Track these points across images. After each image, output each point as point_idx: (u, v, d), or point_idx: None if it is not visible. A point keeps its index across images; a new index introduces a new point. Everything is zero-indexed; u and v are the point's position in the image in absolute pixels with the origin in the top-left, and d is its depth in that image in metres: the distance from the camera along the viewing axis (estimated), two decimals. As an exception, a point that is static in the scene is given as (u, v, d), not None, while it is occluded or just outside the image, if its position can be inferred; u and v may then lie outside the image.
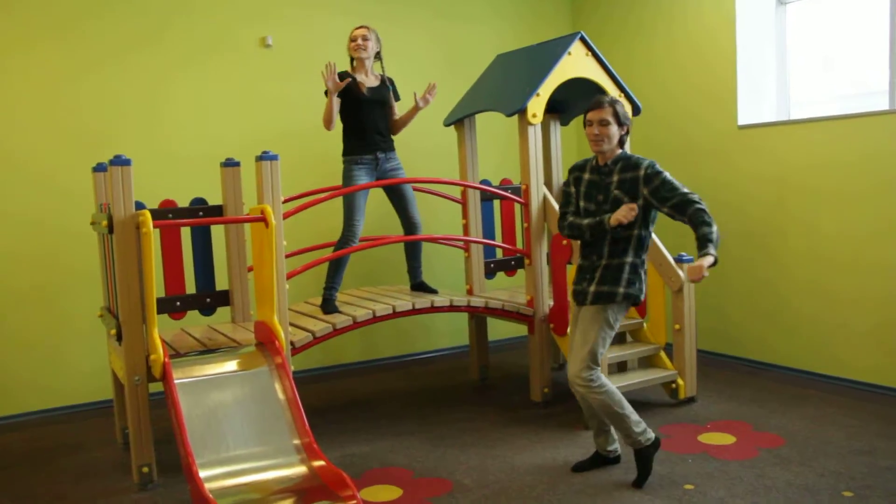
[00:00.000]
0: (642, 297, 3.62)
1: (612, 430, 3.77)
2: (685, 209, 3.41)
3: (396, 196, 4.91)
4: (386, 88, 4.87)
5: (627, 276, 3.54)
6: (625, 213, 3.46)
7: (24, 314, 4.99)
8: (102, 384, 5.02)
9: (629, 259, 3.55)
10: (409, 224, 4.90)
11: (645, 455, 3.57)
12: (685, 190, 3.45)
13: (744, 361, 5.58)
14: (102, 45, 5.14)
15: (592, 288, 3.57)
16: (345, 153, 4.80)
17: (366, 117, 4.77)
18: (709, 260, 3.28)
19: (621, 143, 3.61)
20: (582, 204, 3.66)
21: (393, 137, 4.94)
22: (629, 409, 3.55)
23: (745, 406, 4.61)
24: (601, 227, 3.53)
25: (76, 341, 5.10)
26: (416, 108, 4.89)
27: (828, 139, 4.94)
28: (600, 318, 3.56)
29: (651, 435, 3.59)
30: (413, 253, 5.02)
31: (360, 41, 4.76)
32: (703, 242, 3.33)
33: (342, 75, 4.70)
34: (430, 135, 6.00)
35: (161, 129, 5.31)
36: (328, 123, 4.68)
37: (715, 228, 3.36)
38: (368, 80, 4.80)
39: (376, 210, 5.11)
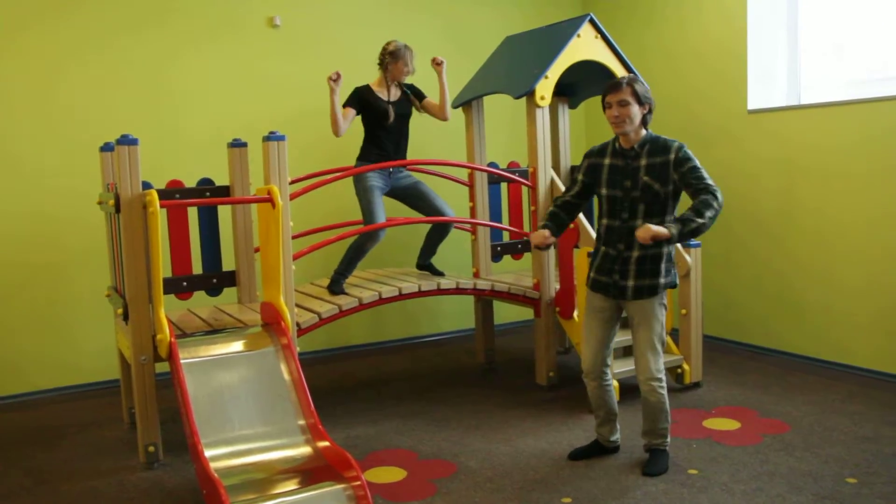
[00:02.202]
0: (677, 282, 3.56)
1: (617, 421, 3.77)
2: (700, 195, 3.29)
3: (419, 199, 4.85)
4: (407, 100, 4.84)
5: (665, 266, 3.44)
6: (652, 234, 3.22)
7: (32, 294, 5.01)
8: (109, 364, 5.04)
9: (665, 248, 3.42)
10: (441, 216, 4.84)
11: (663, 456, 3.59)
12: (709, 181, 3.31)
13: (749, 347, 5.58)
14: (109, 24, 5.13)
15: (631, 282, 3.43)
16: (360, 158, 4.77)
17: (388, 133, 4.75)
18: (663, 231, 3.21)
19: (644, 124, 3.44)
20: (605, 192, 3.50)
21: (447, 120, 4.94)
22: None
23: (751, 392, 4.61)
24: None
25: (84, 321, 5.12)
26: (441, 80, 4.85)
27: (838, 124, 4.90)
28: (654, 306, 3.47)
29: (669, 440, 3.65)
30: (435, 240, 4.97)
31: (410, 68, 4.74)
32: (680, 219, 3.25)
33: (362, 91, 4.69)
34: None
35: (168, 109, 5.30)
36: (335, 125, 4.62)
37: (703, 221, 3.21)
38: (392, 94, 4.77)
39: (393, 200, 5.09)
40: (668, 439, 3.61)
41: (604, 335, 3.61)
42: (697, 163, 3.36)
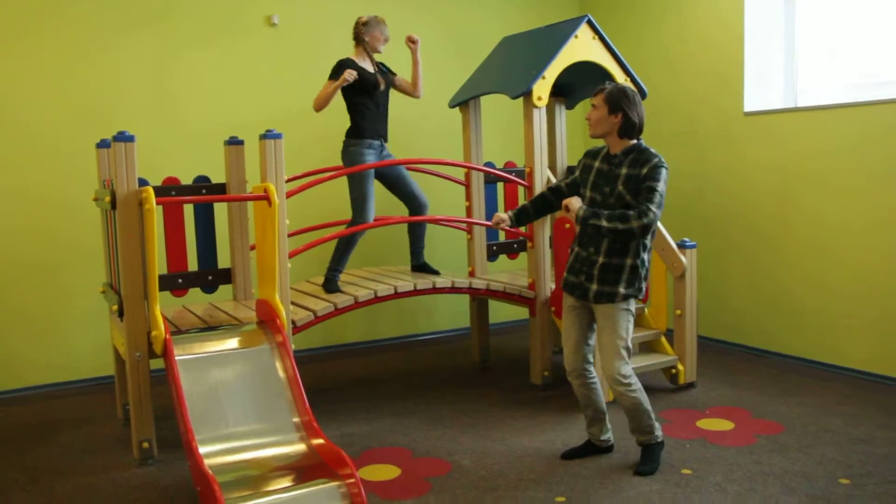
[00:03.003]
0: (642, 295, 3.57)
1: (607, 420, 3.78)
2: (634, 207, 3.35)
3: (397, 180, 4.89)
4: (384, 73, 4.85)
5: (627, 277, 3.47)
6: (567, 204, 3.47)
7: (26, 289, 5.00)
8: (104, 360, 5.03)
9: (629, 261, 3.46)
10: (417, 203, 4.88)
11: (654, 451, 3.59)
12: (651, 204, 3.31)
13: (744, 348, 5.59)
14: (108, 23, 5.12)
15: (594, 286, 3.49)
16: (354, 135, 4.72)
17: (379, 103, 4.76)
18: (574, 205, 3.43)
19: (623, 135, 3.46)
20: (588, 193, 3.57)
21: (420, 97, 5.01)
22: (652, 411, 3.59)
23: (745, 392, 4.62)
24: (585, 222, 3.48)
25: (78, 317, 5.12)
26: (416, 57, 4.87)
27: (834, 127, 4.91)
28: (617, 312, 3.50)
29: (661, 433, 3.64)
30: (418, 233, 5.01)
31: (386, 34, 4.79)
32: (596, 211, 3.39)
33: (347, 63, 4.66)
34: (435, 116, 5.98)
35: (165, 107, 5.30)
36: (323, 106, 4.64)
37: (607, 225, 3.33)
38: (370, 67, 4.78)
39: (379, 192, 5.09)
40: (657, 433, 3.60)
41: (580, 334, 3.65)
42: (659, 185, 3.36)
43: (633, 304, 3.55)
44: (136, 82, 5.22)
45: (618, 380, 3.49)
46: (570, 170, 3.77)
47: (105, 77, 5.14)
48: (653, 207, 3.32)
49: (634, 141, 3.50)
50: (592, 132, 3.53)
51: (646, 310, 4.83)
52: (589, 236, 3.52)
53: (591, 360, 3.70)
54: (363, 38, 4.76)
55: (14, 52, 4.91)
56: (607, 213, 3.37)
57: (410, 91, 4.96)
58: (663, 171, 3.38)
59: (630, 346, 3.54)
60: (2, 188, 4.92)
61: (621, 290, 3.47)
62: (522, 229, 4.75)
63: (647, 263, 3.55)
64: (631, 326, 3.54)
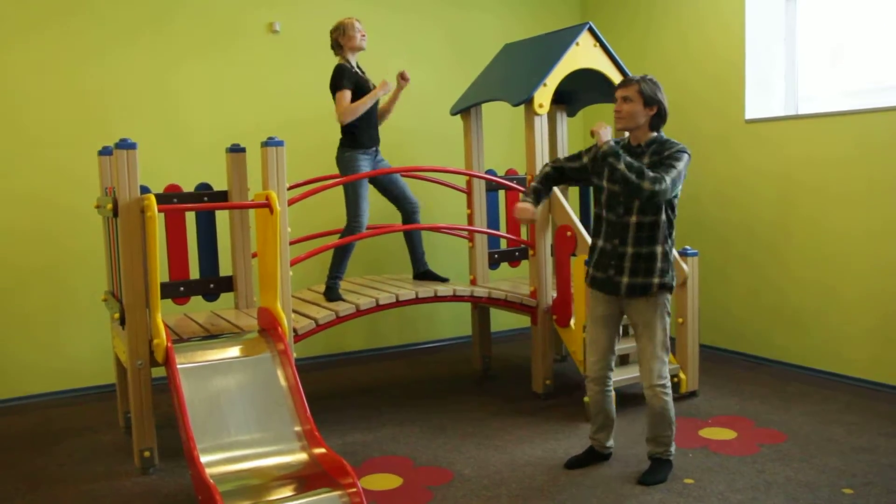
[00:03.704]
0: (675, 284, 3.54)
1: (614, 427, 3.77)
2: (653, 169, 3.31)
3: (389, 183, 4.88)
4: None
5: (661, 266, 3.41)
6: (597, 129, 3.41)
7: (27, 297, 5.00)
8: (105, 368, 5.02)
9: (659, 248, 3.40)
10: (410, 206, 4.88)
11: (663, 467, 3.57)
12: (666, 173, 3.28)
13: (746, 357, 5.58)
14: (110, 30, 5.13)
15: (625, 279, 3.43)
16: (351, 145, 4.69)
17: (372, 110, 4.75)
18: (608, 143, 3.35)
19: (653, 127, 3.43)
20: (606, 184, 3.47)
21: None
22: (675, 419, 3.58)
23: (747, 401, 4.60)
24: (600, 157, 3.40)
25: (80, 324, 5.11)
26: (398, 94, 4.83)
27: (835, 134, 4.91)
28: (656, 308, 3.46)
29: (674, 452, 3.63)
30: (415, 240, 5.01)
31: (363, 33, 4.73)
32: (619, 154, 3.31)
33: (346, 69, 4.63)
34: (436, 124, 5.99)
35: (167, 115, 5.30)
36: (353, 118, 4.58)
37: (622, 168, 3.26)
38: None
39: (380, 199, 5.09)
40: (672, 450, 3.59)
41: (608, 344, 3.63)
42: (679, 164, 3.33)
43: (669, 300, 3.50)
44: (138, 89, 5.22)
45: (657, 382, 3.47)
46: (572, 158, 3.69)
47: (107, 84, 5.14)
48: (667, 178, 3.27)
49: (655, 133, 3.47)
50: (623, 125, 3.43)
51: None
52: (612, 226, 3.45)
53: (613, 367, 3.68)
54: (343, 42, 4.69)
55: (16, 59, 4.92)
56: (626, 161, 3.29)
57: (381, 114, 4.91)
58: (685, 157, 3.37)
59: (669, 344, 3.51)
60: (3, 194, 4.92)
61: (656, 280, 3.41)
62: (524, 237, 4.74)
63: (673, 250, 3.52)
64: (668, 325, 3.50)
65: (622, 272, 3.45)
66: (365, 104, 4.58)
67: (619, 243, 3.45)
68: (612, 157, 3.32)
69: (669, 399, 3.51)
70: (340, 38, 4.72)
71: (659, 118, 3.42)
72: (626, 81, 3.43)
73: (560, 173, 3.74)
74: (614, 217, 3.44)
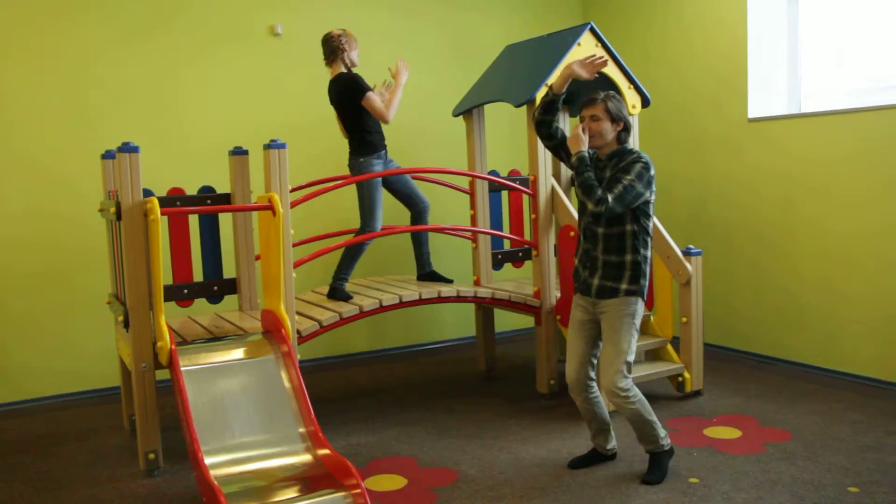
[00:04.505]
0: (645, 294, 3.56)
1: (611, 429, 3.76)
2: (605, 186, 3.39)
3: (400, 183, 4.89)
4: None
5: (629, 274, 3.48)
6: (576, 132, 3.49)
7: (32, 300, 5.01)
8: (110, 371, 5.03)
9: (628, 257, 3.48)
10: (421, 205, 4.88)
11: (662, 459, 3.56)
12: (615, 190, 3.35)
13: (751, 355, 5.57)
14: (112, 33, 5.15)
15: (596, 281, 3.53)
16: (363, 151, 4.67)
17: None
18: (579, 154, 3.44)
19: (621, 141, 3.53)
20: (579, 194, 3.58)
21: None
22: (654, 415, 3.55)
23: (752, 400, 4.60)
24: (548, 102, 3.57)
25: (84, 327, 5.12)
26: (397, 85, 4.77)
27: (838, 132, 4.90)
28: (623, 315, 3.48)
29: (669, 441, 3.61)
30: (422, 240, 5.01)
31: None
32: (587, 164, 3.44)
33: (359, 77, 4.63)
34: (439, 125, 5.99)
35: (170, 118, 5.31)
36: (396, 109, 4.58)
37: (581, 196, 3.42)
38: None
39: (390, 202, 5.09)
40: (663, 441, 3.56)
41: (585, 350, 3.64)
42: (626, 178, 3.38)
43: (638, 311, 3.52)
44: (141, 93, 5.24)
45: (615, 392, 3.46)
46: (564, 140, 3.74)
47: (110, 88, 5.15)
48: (609, 198, 3.36)
49: (619, 146, 3.56)
50: (594, 143, 3.53)
51: (651, 318, 4.81)
52: (590, 232, 3.56)
53: (594, 375, 3.68)
54: (344, 48, 4.66)
55: (19, 64, 4.93)
56: (587, 175, 3.42)
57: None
58: (637, 166, 3.42)
59: (631, 360, 3.51)
60: (7, 199, 4.93)
61: (623, 286, 3.48)
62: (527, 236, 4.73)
63: (648, 261, 3.55)
64: (634, 340, 3.52)
65: (594, 274, 3.55)
66: (398, 96, 4.61)
67: (591, 248, 3.57)
68: (579, 167, 3.46)
69: (636, 403, 3.48)
70: (345, 44, 4.67)
71: (626, 132, 3.54)
72: (592, 101, 3.52)
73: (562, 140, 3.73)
74: (584, 224, 3.59)
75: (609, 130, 3.50)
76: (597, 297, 3.54)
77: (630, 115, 4.81)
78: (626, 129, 3.53)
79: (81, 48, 5.08)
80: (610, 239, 3.49)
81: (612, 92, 3.58)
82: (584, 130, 3.51)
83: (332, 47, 4.70)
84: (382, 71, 5.15)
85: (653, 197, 3.50)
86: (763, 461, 3.69)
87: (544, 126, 3.69)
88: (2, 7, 4.88)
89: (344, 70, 4.69)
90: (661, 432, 3.57)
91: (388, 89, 4.81)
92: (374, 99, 4.56)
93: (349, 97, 4.61)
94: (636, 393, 3.50)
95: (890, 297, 4.69)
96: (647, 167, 3.43)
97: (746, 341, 5.61)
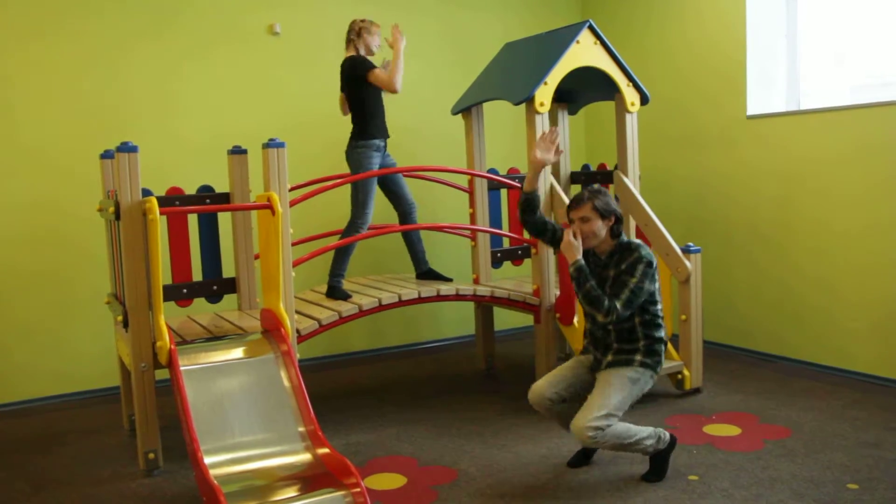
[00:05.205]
0: (660, 370, 3.51)
1: None
2: (612, 296, 3.37)
3: (392, 182, 4.91)
4: None
5: (643, 351, 3.46)
6: (569, 243, 3.43)
7: (31, 300, 5.01)
8: (109, 370, 5.03)
9: (642, 343, 3.46)
10: (407, 207, 4.90)
11: (661, 457, 3.52)
12: (622, 296, 3.33)
13: (750, 353, 5.57)
14: (111, 34, 5.14)
15: (609, 358, 3.49)
16: (363, 137, 4.70)
17: (382, 103, 4.79)
18: (575, 263, 3.38)
19: (615, 234, 3.46)
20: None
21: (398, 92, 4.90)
22: (637, 431, 3.40)
23: (751, 397, 4.60)
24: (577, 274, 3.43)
25: (83, 327, 5.12)
26: (398, 47, 4.79)
27: (837, 129, 4.90)
28: (623, 376, 3.42)
29: (667, 436, 3.53)
30: (414, 239, 5.02)
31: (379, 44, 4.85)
32: (587, 275, 3.38)
33: (361, 58, 4.68)
34: (438, 123, 5.99)
35: (169, 117, 5.31)
36: (401, 78, 4.59)
37: (587, 308, 3.40)
38: None
39: (382, 199, 5.10)
40: (656, 446, 3.47)
41: (571, 382, 3.56)
42: (632, 282, 3.35)
43: (642, 381, 3.45)
44: (140, 92, 5.23)
45: (584, 434, 3.29)
46: (555, 228, 3.70)
47: (108, 88, 5.15)
48: (618, 305, 3.33)
49: (616, 240, 3.48)
50: (588, 244, 3.46)
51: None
52: (598, 325, 3.52)
53: (555, 400, 3.56)
54: (364, 35, 4.75)
55: (19, 63, 4.93)
56: (589, 286, 3.36)
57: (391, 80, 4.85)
58: (641, 267, 3.36)
59: (617, 415, 3.33)
60: (6, 198, 4.93)
61: (637, 357, 3.45)
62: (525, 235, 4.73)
63: (663, 341, 3.51)
64: (626, 401, 3.38)
65: (608, 353, 3.52)
66: (400, 63, 4.61)
67: (604, 335, 3.53)
68: (578, 278, 3.39)
69: (608, 439, 3.31)
70: (366, 31, 4.76)
71: (618, 225, 3.45)
72: (578, 202, 3.43)
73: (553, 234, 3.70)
74: (591, 319, 3.56)
75: (601, 228, 3.42)
76: (607, 368, 3.49)
77: (629, 111, 4.84)
78: (619, 220, 3.44)
79: (81, 49, 5.06)
80: (621, 332, 3.47)
81: (594, 187, 3.50)
82: (574, 235, 3.43)
83: (348, 31, 4.80)
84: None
85: (657, 284, 3.47)
86: (762, 458, 3.69)
87: (529, 225, 3.67)
88: (4, 10, 4.88)
89: (354, 54, 4.76)
90: (649, 441, 3.44)
91: (387, 66, 4.83)
92: (379, 73, 4.62)
93: (353, 76, 4.67)
94: (606, 432, 3.31)
95: (890, 294, 4.69)
96: (650, 265, 3.37)
97: (746, 338, 5.61)
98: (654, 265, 3.41)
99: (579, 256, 3.42)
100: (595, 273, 3.53)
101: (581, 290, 3.38)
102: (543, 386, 3.55)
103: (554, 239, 3.66)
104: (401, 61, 4.63)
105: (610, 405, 3.33)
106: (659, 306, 3.51)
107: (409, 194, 4.93)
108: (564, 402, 3.57)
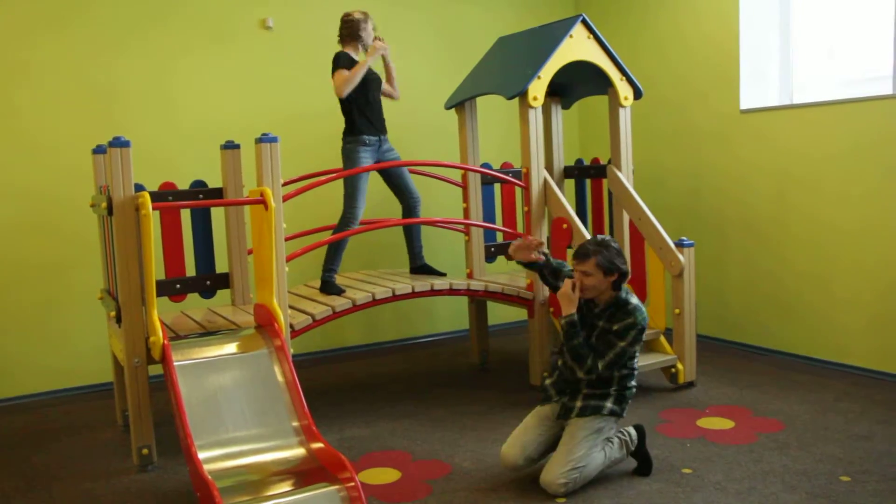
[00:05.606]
0: (624, 415, 3.48)
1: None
2: (596, 354, 3.36)
3: (396, 174, 4.90)
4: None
5: (615, 398, 3.42)
6: (566, 292, 3.41)
7: (24, 295, 4.99)
8: (103, 366, 5.03)
9: (614, 389, 3.42)
10: (412, 200, 4.90)
11: (640, 450, 3.53)
12: (610, 353, 3.33)
13: (743, 346, 5.59)
14: (105, 29, 5.12)
15: (578, 403, 3.42)
16: (352, 132, 4.72)
17: (375, 96, 4.77)
18: (567, 317, 3.39)
19: (616, 287, 3.41)
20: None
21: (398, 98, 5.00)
22: (602, 458, 3.40)
23: (745, 391, 4.61)
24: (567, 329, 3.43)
25: (76, 323, 5.11)
26: (387, 61, 4.86)
27: (830, 123, 4.91)
28: (592, 426, 3.37)
29: (633, 433, 3.53)
30: (414, 233, 5.01)
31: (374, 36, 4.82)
32: (578, 330, 3.40)
33: (344, 56, 4.66)
34: (431, 118, 5.98)
35: (162, 112, 5.29)
36: (349, 89, 4.58)
37: (570, 362, 3.39)
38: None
39: (376, 194, 5.10)
40: (626, 451, 3.49)
41: (539, 439, 3.50)
42: (619, 345, 3.34)
43: (609, 429, 3.43)
44: (133, 87, 5.21)
45: (556, 490, 3.30)
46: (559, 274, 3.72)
47: (102, 83, 5.13)
48: (600, 365, 3.33)
49: (616, 293, 3.44)
50: (589, 296, 3.43)
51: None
52: (569, 370, 3.48)
53: (526, 460, 3.50)
54: (359, 33, 4.75)
55: (15, 57, 4.90)
56: (577, 343, 3.36)
57: (390, 92, 4.96)
58: (632, 333, 3.34)
59: (586, 474, 3.34)
60: (1, 191, 4.91)
61: (608, 404, 3.40)
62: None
63: (633, 389, 3.49)
64: (592, 452, 3.35)
65: (576, 398, 3.45)
66: (357, 72, 4.58)
67: (571, 374, 3.47)
68: (568, 332, 3.40)
69: (584, 480, 3.34)
70: (360, 29, 4.74)
71: (621, 279, 3.40)
72: (583, 256, 3.39)
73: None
74: (563, 362, 3.53)
75: (603, 283, 3.37)
76: (578, 416, 3.41)
77: (622, 106, 4.84)
78: (622, 276, 3.38)
79: (76, 45, 5.04)
80: (594, 385, 3.43)
81: (602, 239, 3.43)
82: (574, 288, 3.40)
83: (347, 30, 4.78)
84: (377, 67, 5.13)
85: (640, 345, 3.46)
86: (755, 451, 3.71)
87: (542, 279, 3.79)
88: (5, 7, 4.86)
89: (355, 50, 4.77)
90: (618, 453, 3.46)
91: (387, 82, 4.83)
92: (337, 74, 4.60)
93: (333, 72, 4.67)
94: (576, 481, 3.31)
95: (882, 288, 4.71)
96: (641, 331, 3.35)
97: (739, 332, 5.63)
98: (645, 328, 3.39)
99: (573, 311, 3.40)
100: (586, 319, 3.49)
101: (568, 343, 3.38)
102: (515, 453, 3.46)
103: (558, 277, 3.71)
104: (360, 71, 4.59)
105: (575, 458, 3.31)
106: (636, 360, 3.47)
107: (414, 188, 4.92)
108: (536, 461, 3.51)
